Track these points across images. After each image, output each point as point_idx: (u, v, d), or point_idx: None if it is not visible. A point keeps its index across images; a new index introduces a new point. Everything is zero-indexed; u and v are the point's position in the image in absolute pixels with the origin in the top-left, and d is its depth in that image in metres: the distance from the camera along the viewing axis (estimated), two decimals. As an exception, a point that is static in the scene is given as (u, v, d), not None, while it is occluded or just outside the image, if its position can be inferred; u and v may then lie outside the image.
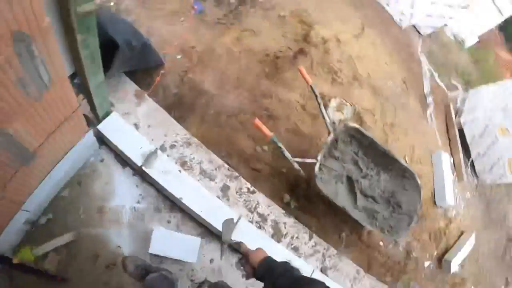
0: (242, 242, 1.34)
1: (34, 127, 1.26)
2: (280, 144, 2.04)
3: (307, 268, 2.17)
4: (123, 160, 2.05)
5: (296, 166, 2.14)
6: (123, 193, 2.02)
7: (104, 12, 1.85)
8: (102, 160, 2.04)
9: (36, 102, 1.15)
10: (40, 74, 1.07)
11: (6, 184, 1.33)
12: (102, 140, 2.02)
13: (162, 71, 2.37)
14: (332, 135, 2.20)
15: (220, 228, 1.96)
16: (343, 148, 2.37)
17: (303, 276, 1.07)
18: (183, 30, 2.48)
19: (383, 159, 2.41)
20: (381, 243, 2.77)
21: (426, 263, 3.00)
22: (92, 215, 1.95)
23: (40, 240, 1.84)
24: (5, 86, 0.96)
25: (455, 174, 3.32)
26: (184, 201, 1.93)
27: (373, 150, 2.40)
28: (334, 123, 2.44)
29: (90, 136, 1.85)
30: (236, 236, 2.00)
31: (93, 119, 1.93)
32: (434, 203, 3.05)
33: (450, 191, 3.00)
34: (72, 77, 1.48)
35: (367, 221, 2.37)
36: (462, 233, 3.23)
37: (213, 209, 1.97)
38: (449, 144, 3.43)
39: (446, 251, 3.09)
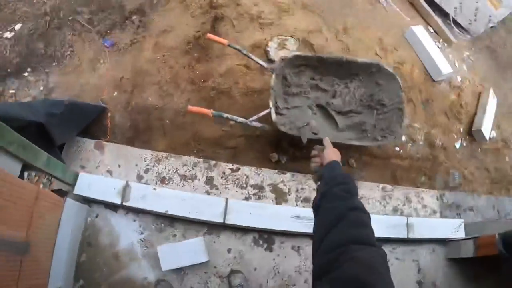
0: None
1: (10, 223, 1.41)
2: (225, 115, 2.01)
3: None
4: (112, 206, 2.15)
5: (256, 124, 2.09)
6: (126, 233, 2.13)
7: (8, 107, 1.94)
8: (97, 216, 2.15)
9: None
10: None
11: (19, 276, 1.48)
12: (88, 200, 2.15)
13: (109, 114, 2.46)
14: (273, 76, 2.11)
15: (211, 218, 1.99)
16: (296, 81, 2.27)
17: (355, 198, 0.98)
18: (107, 70, 2.55)
19: (342, 68, 2.25)
20: (397, 148, 2.59)
21: (457, 145, 2.74)
22: (111, 264, 2.08)
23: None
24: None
25: (441, 41, 3.01)
26: (170, 212, 1.98)
27: (327, 66, 2.25)
28: (273, 61, 2.35)
29: (71, 204, 1.95)
30: (234, 219, 2.00)
31: (69, 188, 2.06)
32: (434, 81, 2.78)
33: (441, 60, 2.72)
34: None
35: (359, 138, 2.24)
36: (479, 96, 2.90)
37: (199, 205, 1.99)
38: (421, 16, 3.11)
39: (472, 122, 2.79)
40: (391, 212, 2.37)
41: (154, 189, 2.03)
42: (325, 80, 2.31)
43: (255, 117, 2.09)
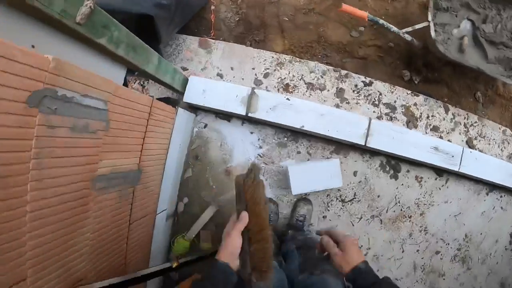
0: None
1: (125, 150, 1.16)
2: (381, 21, 1.71)
3: (456, 148, 1.92)
4: (226, 115, 1.91)
5: (408, 37, 1.81)
6: (242, 146, 1.92)
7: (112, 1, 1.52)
8: (205, 126, 1.93)
9: (106, 131, 1.01)
10: (88, 107, 0.91)
11: (131, 210, 1.30)
12: (195, 108, 1.89)
13: (212, 8, 2.09)
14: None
15: (351, 139, 1.78)
16: (449, -6, 1.94)
17: None
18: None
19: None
20: (519, 91, 2.37)
21: None
22: (222, 180, 1.91)
23: (187, 225, 1.87)
24: (65, 142, 0.85)
25: None
26: (306, 128, 1.75)
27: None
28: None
29: (181, 114, 1.69)
30: (375, 142, 1.80)
31: (177, 96, 1.79)
32: None
33: None
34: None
35: (506, 74, 1.99)
36: None
37: (338, 123, 1.76)
38: None
39: None
40: (506, 159, 2.24)
41: (288, 99, 1.76)
42: (477, 1, 1.99)
43: (409, 29, 1.80)
